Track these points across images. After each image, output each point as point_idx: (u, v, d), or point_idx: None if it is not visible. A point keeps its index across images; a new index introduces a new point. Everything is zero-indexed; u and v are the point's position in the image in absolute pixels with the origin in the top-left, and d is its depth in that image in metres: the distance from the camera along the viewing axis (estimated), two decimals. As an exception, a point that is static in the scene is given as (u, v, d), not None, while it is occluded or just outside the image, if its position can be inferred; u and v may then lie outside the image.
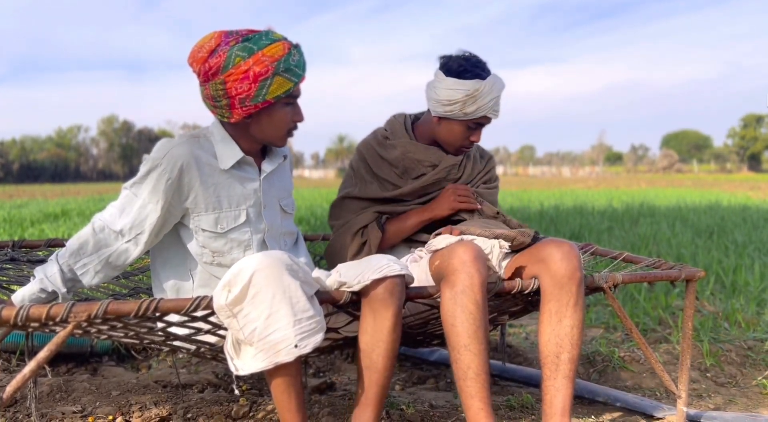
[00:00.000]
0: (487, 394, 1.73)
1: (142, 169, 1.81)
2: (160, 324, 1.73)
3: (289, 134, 1.89)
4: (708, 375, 2.75)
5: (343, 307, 1.78)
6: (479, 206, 2.21)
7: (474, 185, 2.31)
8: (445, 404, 2.38)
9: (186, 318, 1.69)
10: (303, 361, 1.68)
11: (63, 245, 2.82)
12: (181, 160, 1.78)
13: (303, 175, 73.41)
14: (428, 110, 2.24)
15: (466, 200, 2.20)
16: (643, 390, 2.60)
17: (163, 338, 1.84)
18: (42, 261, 2.54)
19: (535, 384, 2.59)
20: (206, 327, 1.75)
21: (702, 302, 3.84)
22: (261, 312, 1.53)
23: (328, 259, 2.30)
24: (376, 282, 1.67)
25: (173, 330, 1.82)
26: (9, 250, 2.53)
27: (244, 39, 1.73)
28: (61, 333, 1.53)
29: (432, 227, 2.25)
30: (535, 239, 2.06)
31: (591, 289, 1.98)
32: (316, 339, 1.58)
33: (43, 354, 1.51)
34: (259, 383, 2.60)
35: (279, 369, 1.59)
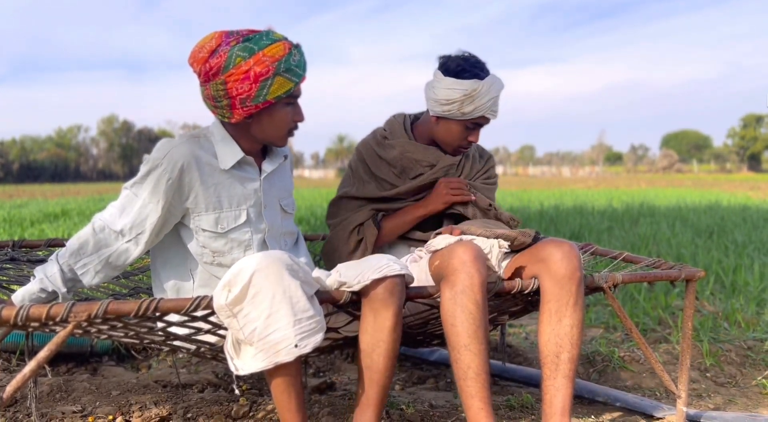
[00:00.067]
0: (487, 394, 1.73)
1: (143, 169, 1.81)
2: (160, 324, 1.73)
3: (290, 133, 1.89)
4: (708, 375, 2.75)
5: (343, 307, 1.78)
6: (473, 198, 2.22)
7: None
8: (445, 404, 2.38)
9: (186, 318, 1.69)
10: (303, 361, 1.68)
11: (63, 245, 2.82)
12: (182, 160, 1.78)
13: (303, 175, 73.37)
14: (427, 109, 2.25)
15: (459, 192, 2.21)
16: (643, 390, 2.60)
17: (164, 338, 1.84)
18: (42, 261, 2.54)
19: (535, 384, 2.59)
20: (206, 326, 1.75)
21: (702, 302, 3.85)
22: (261, 312, 1.53)
23: (325, 257, 2.30)
24: (376, 282, 1.67)
25: (173, 329, 1.82)
26: (9, 250, 2.53)
27: (245, 39, 1.73)
28: (61, 333, 1.53)
29: (429, 224, 2.25)
30: (536, 239, 2.06)
31: (591, 289, 1.98)
32: (316, 339, 1.58)
33: (43, 354, 1.52)
34: (259, 383, 2.60)
35: (279, 369, 1.59)
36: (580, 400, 2.43)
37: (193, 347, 1.95)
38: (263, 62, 1.70)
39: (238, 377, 2.24)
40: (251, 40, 1.73)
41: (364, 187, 2.28)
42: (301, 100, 1.87)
